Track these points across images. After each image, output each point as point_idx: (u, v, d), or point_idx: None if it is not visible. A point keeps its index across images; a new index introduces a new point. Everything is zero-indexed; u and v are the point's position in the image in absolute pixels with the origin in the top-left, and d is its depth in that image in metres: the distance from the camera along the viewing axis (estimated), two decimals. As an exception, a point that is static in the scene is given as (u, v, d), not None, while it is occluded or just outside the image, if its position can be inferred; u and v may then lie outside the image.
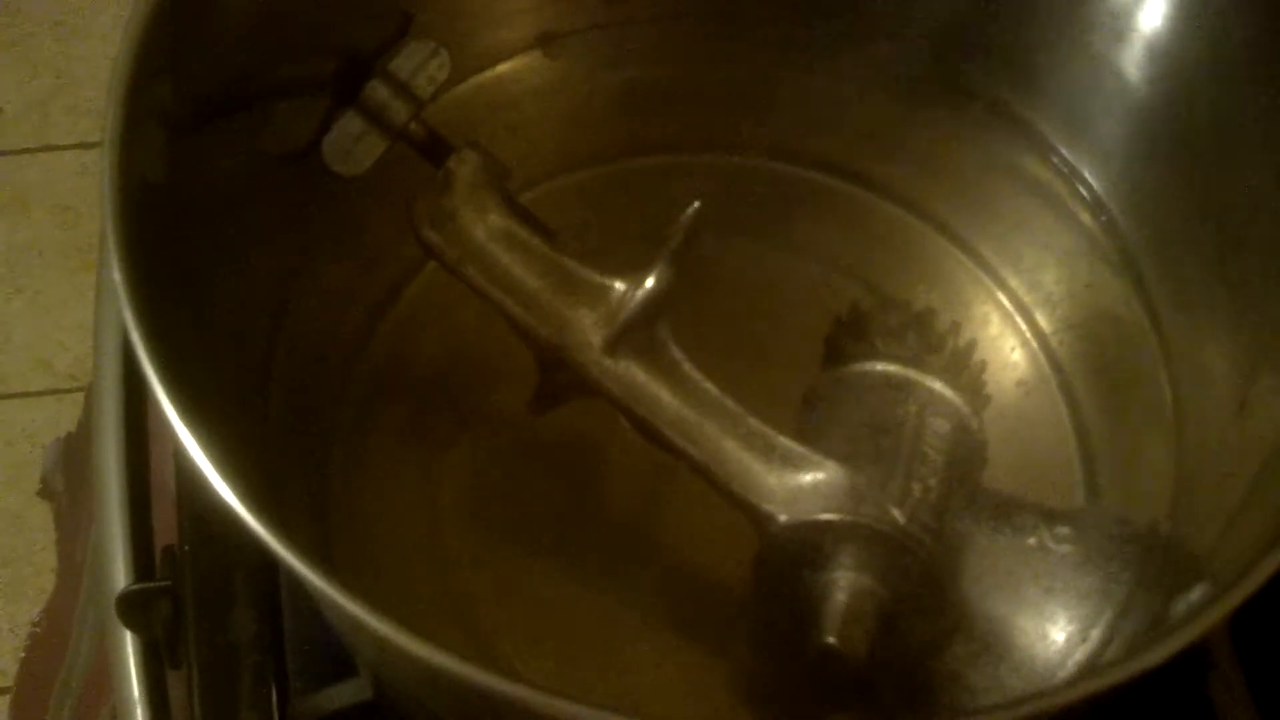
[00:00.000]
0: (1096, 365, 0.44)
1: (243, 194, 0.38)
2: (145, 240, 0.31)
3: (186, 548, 0.42)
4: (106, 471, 0.46)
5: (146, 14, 0.33)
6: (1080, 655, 0.38)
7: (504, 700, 0.28)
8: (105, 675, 0.46)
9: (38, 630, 0.70)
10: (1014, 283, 0.46)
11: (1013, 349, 0.45)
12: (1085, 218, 0.46)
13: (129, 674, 0.43)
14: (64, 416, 0.84)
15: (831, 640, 0.35)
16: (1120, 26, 0.42)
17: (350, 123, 0.39)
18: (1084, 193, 0.46)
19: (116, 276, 0.28)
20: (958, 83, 0.47)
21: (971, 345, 0.41)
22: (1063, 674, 0.37)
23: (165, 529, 0.44)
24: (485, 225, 0.38)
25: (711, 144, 0.48)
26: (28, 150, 0.99)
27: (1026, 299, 0.46)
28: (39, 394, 0.89)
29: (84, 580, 0.63)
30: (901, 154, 0.48)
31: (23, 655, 0.70)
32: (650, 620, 0.41)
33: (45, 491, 0.74)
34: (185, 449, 0.29)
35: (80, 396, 0.77)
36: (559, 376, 0.39)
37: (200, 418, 0.29)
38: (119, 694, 0.44)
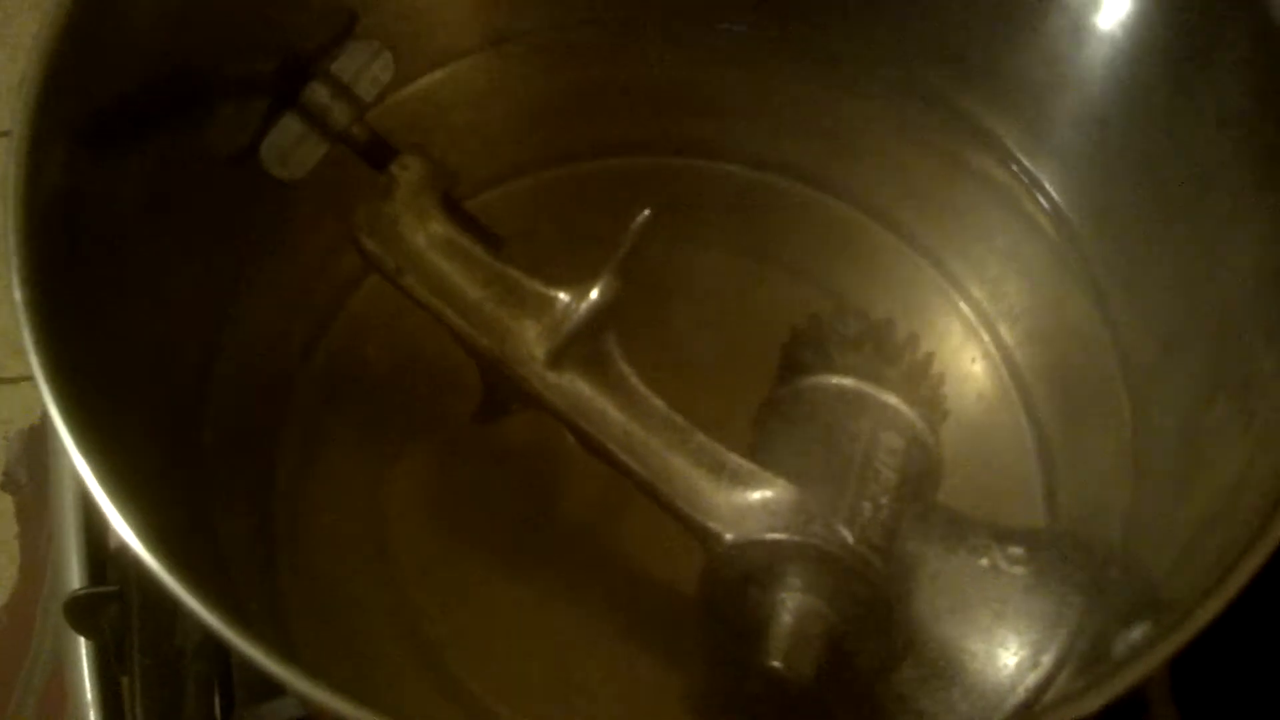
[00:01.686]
0: (1058, 379, 0.43)
1: (173, 203, 0.37)
2: (57, 259, 0.30)
3: (130, 553, 0.42)
4: (61, 471, 0.46)
5: (57, 23, 0.32)
6: (1031, 680, 0.37)
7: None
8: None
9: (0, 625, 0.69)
10: (977, 293, 0.45)
11: (973, 360, 0.45)
12: (1049, 229, 0.45)
13: (82, 678, 0.43)
14: (38, 403, 0.83)
15: (776, 663, 0.35)
16: (1080, 34, 0.41)
17: (289, 125, 0.38)
18: (1046, 204, 0.45)
19: (17, 298, 0.27)
20: (922, 90, 0.46)
21: (930, 358, 0.40)
22: (1012, 699, 0.37)
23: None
24: (426, 233, 0.38)
25: (667, 147, 0.47)
26: (6, 133, 0.98)
27: (989, 309, 0.45)
28: (14, 380, 0.89)
29: (46, 576, 0.62)
30: (864, 160, 0.47)
31: (-16, 651, 0.70)
32: (602, 634, 0.40)
33: (9, 484, 0.74)
34: (87, 487, 0.28)
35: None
36: (502, 389, 0.38)
37: (116, 447, 0.29)
38: (72, 698, 0.43)
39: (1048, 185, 0.44)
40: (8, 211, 0.29)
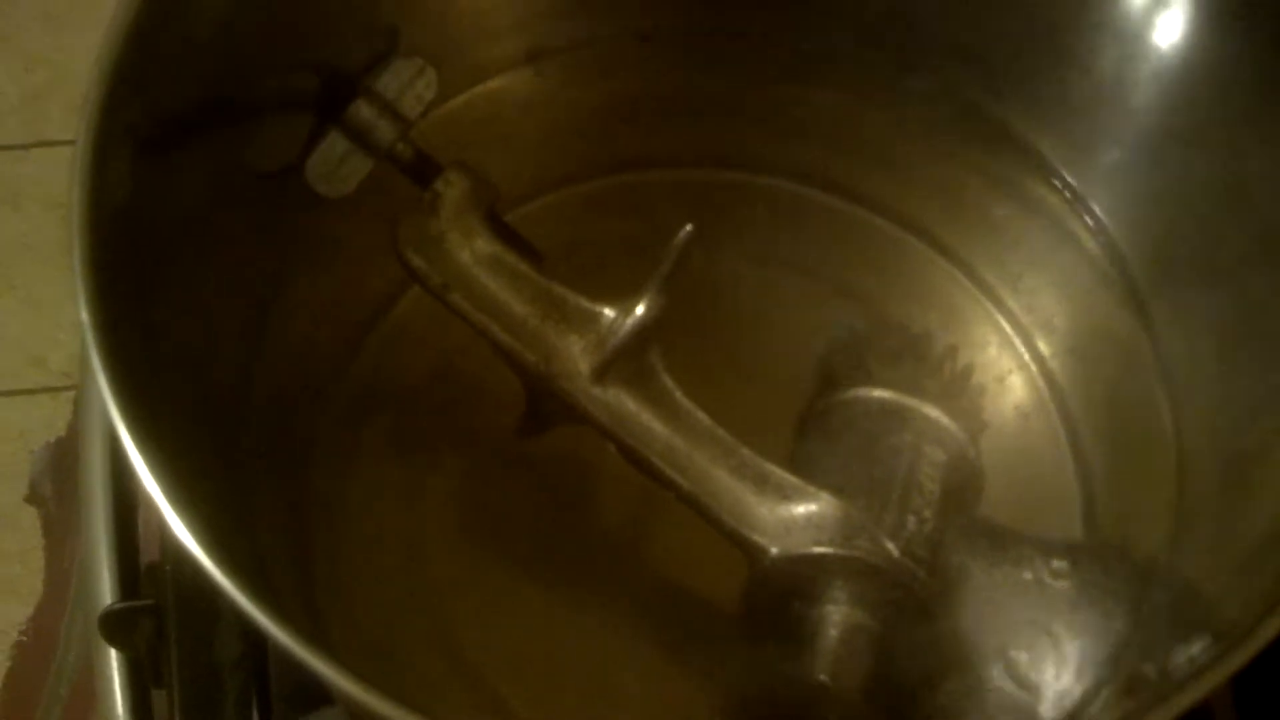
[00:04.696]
0: (1097, 391, 0.43)
1: (221, 215, 0.37)
2: (115, 265, 0.30)
3: (169, 567, 0.42)
4: (92, 486, 0.46)
5: (121, 31, 0.32)
6: (1076, 693, 0.37)
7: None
8: (92, 684, 0.45)
9: (24, 639, 0.69)
10: (1013, 305, 0.45)
11: (1011, 373, 0.45)
12: (1086, 240, 0.45)
13: (113, 691, 0.43)
14: (57, 415, 0.83)
15: (824, 678, 0.35)
16: (1128, 50, 0.41)
17: (334, 143, 0.38)
18: (1085, 216, 0.45)
19: (83, 310, 0.28)
20: (961, 103, 0.46)
21: (969, 369, 0.40)
22: (1056, 713, 0.37)
23: (154, 543, 0.43)
24: (471, 249, 0.38)
25: (705, 160, 0.47)
26: (21, 146, 0.98)
27: (1025, 321, 0.45)
28: (32, 392, 0.89)
29: (72, 588, 0.62)
30: (903, 173, 0.47)
31: (9, 664, 0.70)
32: (638, 646, 0.40)
33: (33, 497, 0.74)
34: (148, 492, 0.28)
35: (74, 395, 0.76)
36: (547, 403, 0.38)
37: (168, 452, 0.29)
38: (103, 711, 0.43)
39: (1091, 202, 0.44)
40: (73, 216, 0.29)
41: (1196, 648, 0.29)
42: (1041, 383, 0.44)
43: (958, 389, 0.40)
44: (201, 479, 0.33)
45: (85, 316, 0.28)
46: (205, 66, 0.36)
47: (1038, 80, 0.44)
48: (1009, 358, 0.45)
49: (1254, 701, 0.34)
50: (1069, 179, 0.45)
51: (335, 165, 0.38)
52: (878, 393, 0.39)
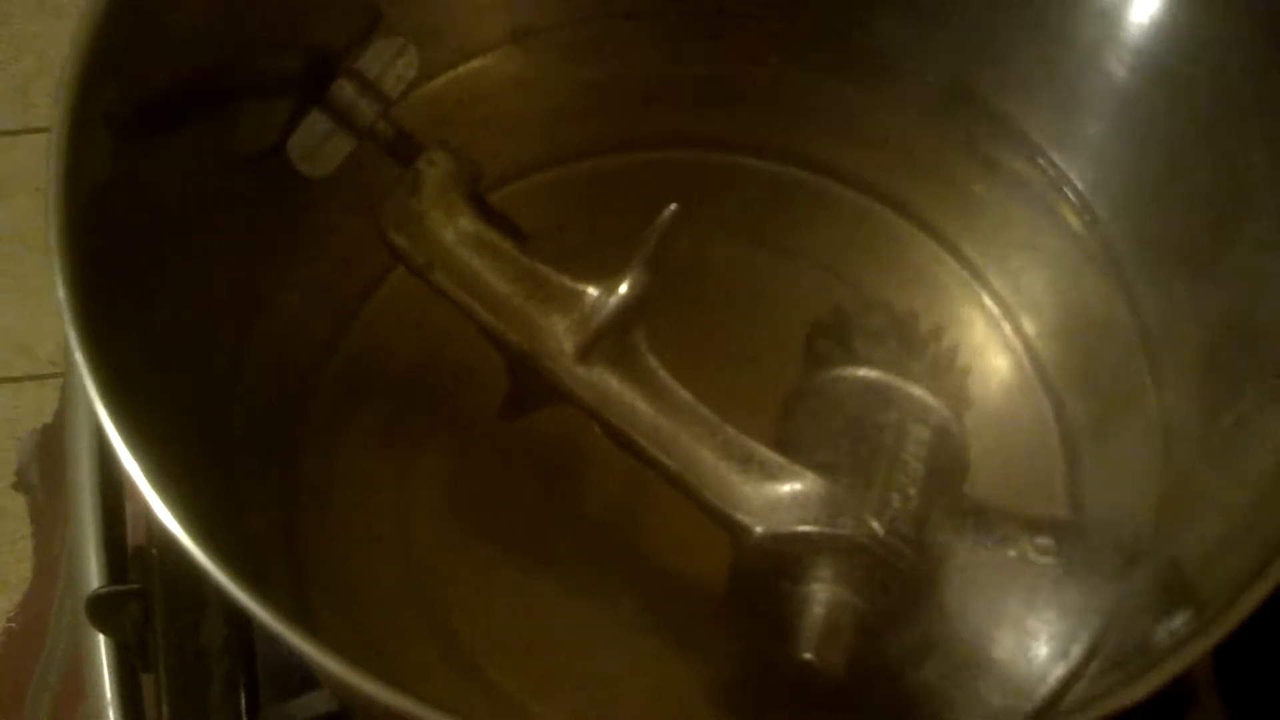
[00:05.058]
0: (1082, 371, 0.43)
1: (202, 198, 0.37)
2: (95, 251, 0.30)
3: (155, 550, 0.42)
4: (79, 470, 0.46)
5: (97, 13, 0.32)
6: (1061, 671, 0.37)
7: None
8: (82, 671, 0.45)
9: (13, 626, 0.69)
10: (999, 285, 0.45)
11: (997, 353, 0.45)
12: (1072, 219, 0.45)
13: (102, 677, 0.43)
14: (45, 403, 0.83)
15: (809, 656, 0.35)
16: (1109, 26, 0.41)
17: (316, 122, 0.38)
18: (1070, 194, 0.45)
19: (61, 292, 0.27)
20: (945, 82, 0.46)
21: (955, 349, 0.40)
22: (1042, 690, 0.37)
23: (142, 528, 0.43)
24: (454, 228, 0.38)
25: (691, 141, 0.47)
26: (9, 133, 0.98)
27: (1012, 301, 0.45)
28: (19, 380, 0.89)
29: (61, 575, 0.62)
30: (887, 153, 0.47)
31: (-1, 652, 0.69)
32: (629, 629, 0.40)
33: (21, 485, 0.73)
34: (131, 477, 0.28)
35: (61, 383, 0.76)
36: (531, 383, 0.38)
37: (152, 438, 0.29)
38: (92, 697, 0.43)
39: (1073, 176, 0.44)
40: (49, 201, 0.29)
41: (1179, 621, 0.29)
42: (1027, 361, 0.44)
43: (943, 368, 0.40)
44: (188, 464, 0.33)
45: (62, 293, 0.28)
46: (185, 48, 0.36)
47: (1021, 57, 0.44)
48: (995, 337, 0.45)
49: (1236, 674, 0.34)
50: (1054, 158, 0.45)
51: (317, 145, 0.38)
52: (863, 372, 0.39)
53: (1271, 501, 0.31)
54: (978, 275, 0.45)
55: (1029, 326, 0.45)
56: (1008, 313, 0.45)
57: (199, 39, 0.36)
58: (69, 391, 0.48)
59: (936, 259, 0.46)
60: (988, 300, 0.45)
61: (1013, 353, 0.44)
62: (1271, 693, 0.35)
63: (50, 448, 0.69)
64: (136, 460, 0.29)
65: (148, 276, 0.35)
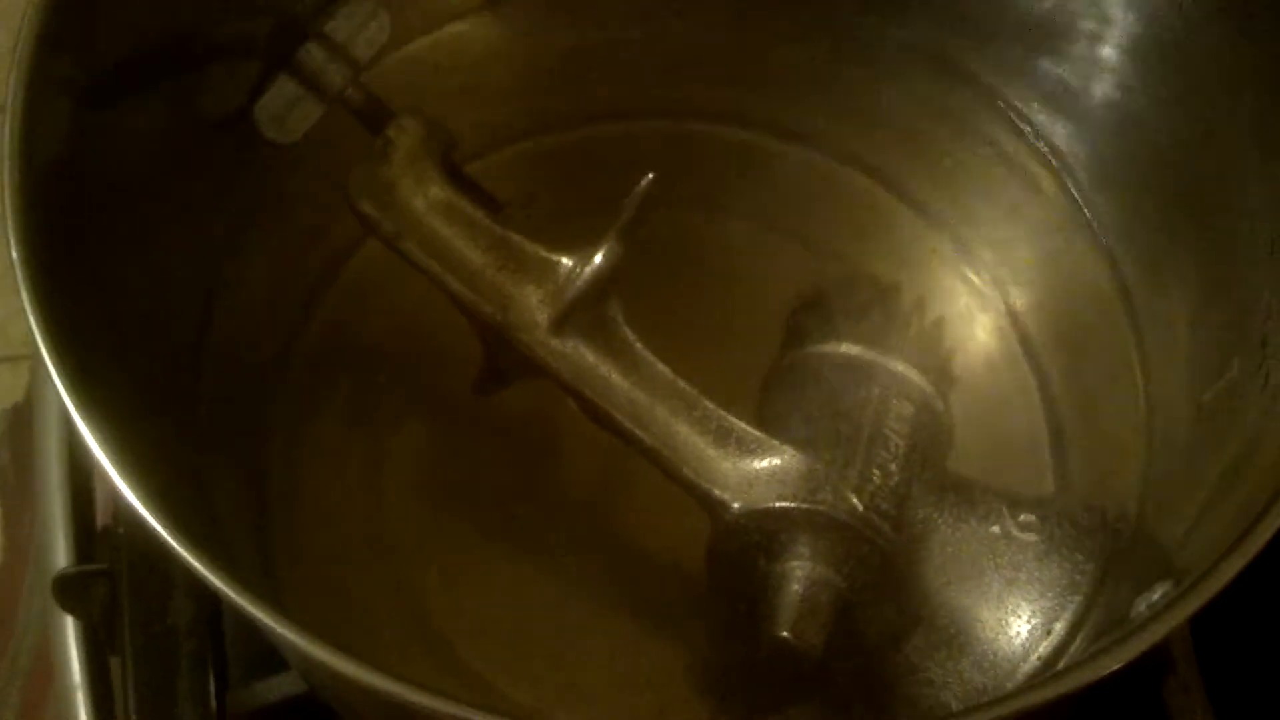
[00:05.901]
0: (1068, 345, 0.43)
1: (166, 166, 0.36)
2: (53, 222, 0.29)
3: (121, 530, 0.41)
4: (47, 449, 0.45)
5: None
6: (1044, 649, 0.37)
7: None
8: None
9: (-17, 607, 0.68)
10: (985, 257, 0.45)
11: (982, 327, 0.44)
12: (1056, 190, 0.44)
13: (70, 659, 0.42)
14: (17, 385, 0.82)
15: (785, 634, 0.34)
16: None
17: (284, 87, 0.37)
18: (1055, 164, 0.44)
19: (15, 257, 0.27)
20: (929, 52, 0.45)
21: (938, 323, 0.40)
22: (1025, 668, 0.36)
23: (111, 507, 0.43)
24: (425, 197, 0.37)
25: (670, 110, 0.46)
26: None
27: (998, 275, 0.44)
28: (-9, 360, 0.87)
29: (30, 558, 0.61)
30: (871, 124, 0.46)
31: (-33, 637, 0.68)
32: (604, 607, 0.40)
33: (-10, 465, 0.72)
34: (77, 461, 0.27)
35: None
36: (504, 356, 0.37)
37: (116, 415, 0.28)
38: (59, 679, 0.43)
39: (1059, 145, 0.44)
40: (3, 171, 0.28)
41: (1157, 594, 0.29)
42: (1013, 336, 0.44)
43: (927, 343, 0.39)
44: (153, 441, 0.32)
45: (15, 254, 0.27)
46: (143, 15, 0.34)
47: (1006, 28, 0.43)
48: (980, 310, 0.44)
49: (1214, 644, 0.33)
50: (1040, 130, 0.44)
51: (285, 110, 0.37)
52: (845, 347, 0.38)
53: (1247, 475, 0.31)
54: (963, 248, 0.45)
55: (1014, 299, 0.44)
56: (994, 285, 0.44)
57: (164, 2, 0.35)
58: (37, 370, 0.47)
59: (921, 232, 0.45)
60: (971, 273, 0.45)
61: (998, 327, 0.44)
62: (1249, 665, 0.35)
63: (22, 428, 0.68)
64: (97, 437, 0.28)
65: (109, 247, 0.34)
